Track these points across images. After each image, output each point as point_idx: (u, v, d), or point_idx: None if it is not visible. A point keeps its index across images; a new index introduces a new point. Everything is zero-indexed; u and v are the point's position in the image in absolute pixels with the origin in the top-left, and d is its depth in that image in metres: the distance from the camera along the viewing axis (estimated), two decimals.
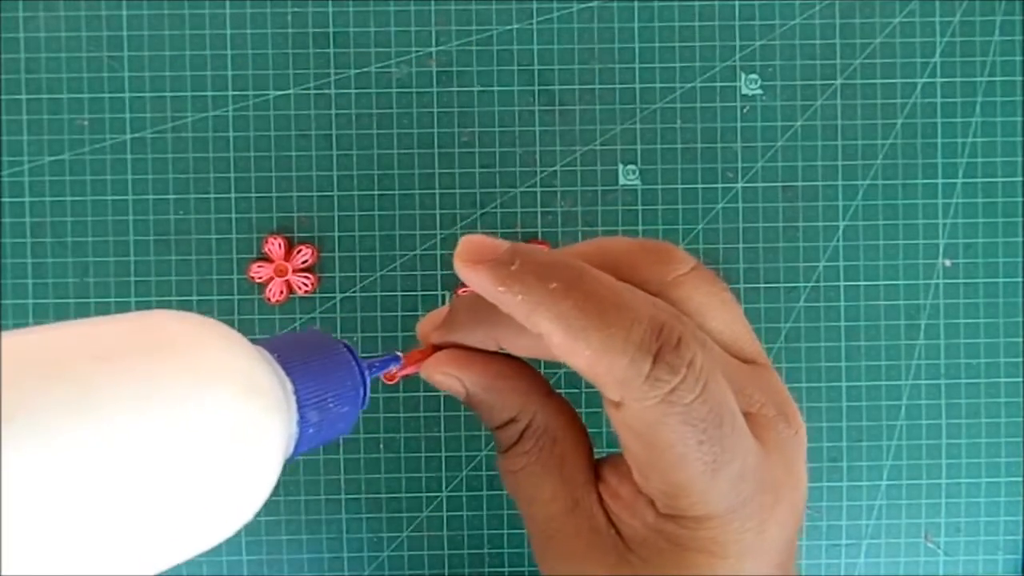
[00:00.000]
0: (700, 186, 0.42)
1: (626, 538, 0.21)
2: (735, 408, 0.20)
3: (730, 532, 0.19)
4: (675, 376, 0.18)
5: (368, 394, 0.21)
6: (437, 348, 0.23)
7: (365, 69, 0.42)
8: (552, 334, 0.19)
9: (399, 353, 0.23)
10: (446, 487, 0.43)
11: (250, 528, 0.42)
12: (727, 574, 0.20)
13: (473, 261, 0.20)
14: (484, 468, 0.43)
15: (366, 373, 0.21)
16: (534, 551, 0.22)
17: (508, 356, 0.23)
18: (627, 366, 0.18)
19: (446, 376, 0.22)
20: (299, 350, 0.20)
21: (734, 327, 0.21)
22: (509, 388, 0.22)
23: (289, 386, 0.19)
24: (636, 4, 0.42)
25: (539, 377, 0.23)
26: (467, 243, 0.20)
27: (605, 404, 0.20)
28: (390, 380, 0.42)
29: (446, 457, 0.43)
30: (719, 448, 0.19)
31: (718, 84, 0.42)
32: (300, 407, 0.19)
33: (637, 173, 0.42)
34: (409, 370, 0.24)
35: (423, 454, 0.42)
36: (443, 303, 0.42)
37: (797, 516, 0.21)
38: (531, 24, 0.42)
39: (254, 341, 0.20)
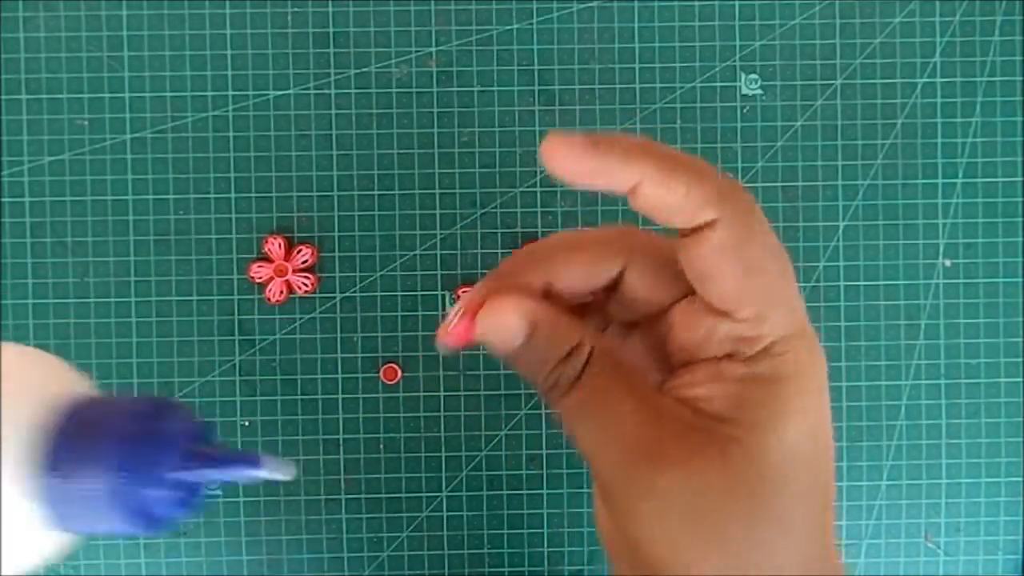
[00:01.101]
0: None
1: (720, 413, 0.21)
2: None
3: (803, 349, 0.22)
4: (748, 192, 0.22)
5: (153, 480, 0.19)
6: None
7: (365, 69, 0.42)
8: (650, 175, 0.21)
9: (257, 455, 0.20)
10: (446, 487, 0.43)
11: (250, 528, 0.42)
12: (813, 390, 0.22)
13: (567, 138, 0.21)
14: (484, 468, 0.43)
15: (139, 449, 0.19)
16: (614, 487, 0.22)
17: None
18: (720, 185, 0.21)
19: (517, 308, 0.22)
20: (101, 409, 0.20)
21: None
22: (568, 317, 0.22)
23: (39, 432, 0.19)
24: (636, 4, 0.42)
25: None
26: (552, 134, 0.21)
27: (697, 243, 0.22)
28: (391, 380, 0.42)
29: (446, 457, 0.43)
30: (786, 261, 0.22)
31: (718, 84, 0.42)
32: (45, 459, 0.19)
33: None
34: (460, 327, 0.22)
35: (423, 454, 0.42)
36: (443, 303, 0.42)
37: None
38: (531, 24, 0.42)
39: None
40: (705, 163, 0.22)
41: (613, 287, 0.24)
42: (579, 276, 0.23)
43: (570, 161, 0.21)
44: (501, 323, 0.22)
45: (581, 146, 0.21)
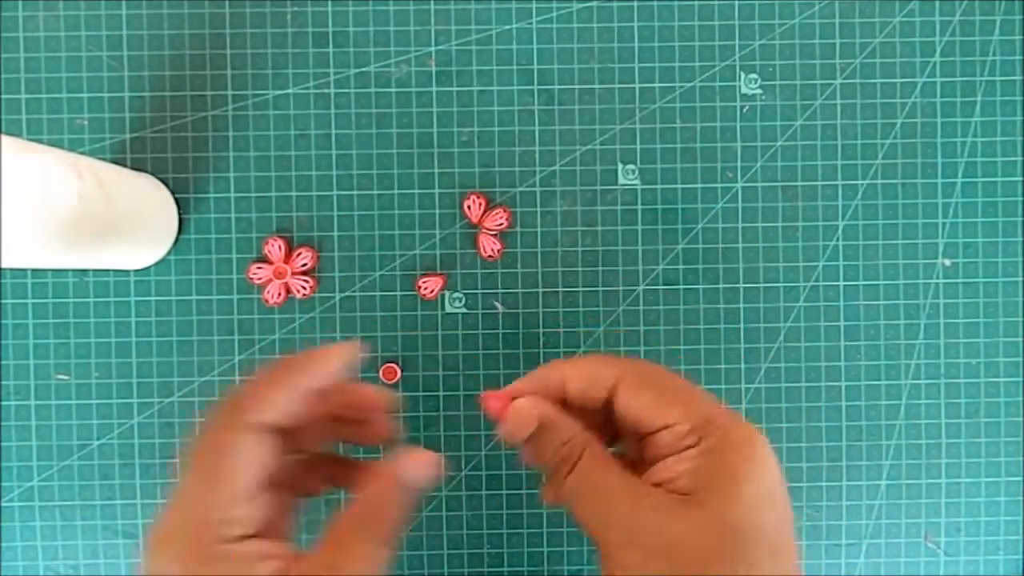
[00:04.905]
0: (699, 186, 0.42)
1: (685, 488, 0.27)
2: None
3: (729, 429, 0.27)
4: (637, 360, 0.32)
5: None
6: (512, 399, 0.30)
7: (364, 69, 0.42)
8: (570, 376, 0.30)
9: None
10: (445, 487, 0.43)
11: None
12: (755, 461, 0.27)
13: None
14: (483, 468, 0.43)
15: None
16: (610, 542, 0.27)
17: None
18: (612, 361, 0.30)
19: (533, 404, 0.29)
20: None
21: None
22: (566, 417, 0.29)
23: None
24: (636, 4, 0.42)
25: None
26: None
27: (617, 400, 0.29)
28: (390, 380, 0.42)
29: (446, 457, 0.42)
30: (678, 380, 0.29)
31: (718, 84, 0.42)
32: None
33: (636, 173, 0.42)
34: (496, 403, 0.30)
35: None
36: (443, 303, 0.42)
37: None
38: (530, 24, 0.42)
39: None
40: (602, 357, 0.30)
41: (610, 406, 0.30)
42: (582, 383, 0.29)
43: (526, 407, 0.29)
44: (523, 414, 0.29)
45: (522, 383, 0.30)
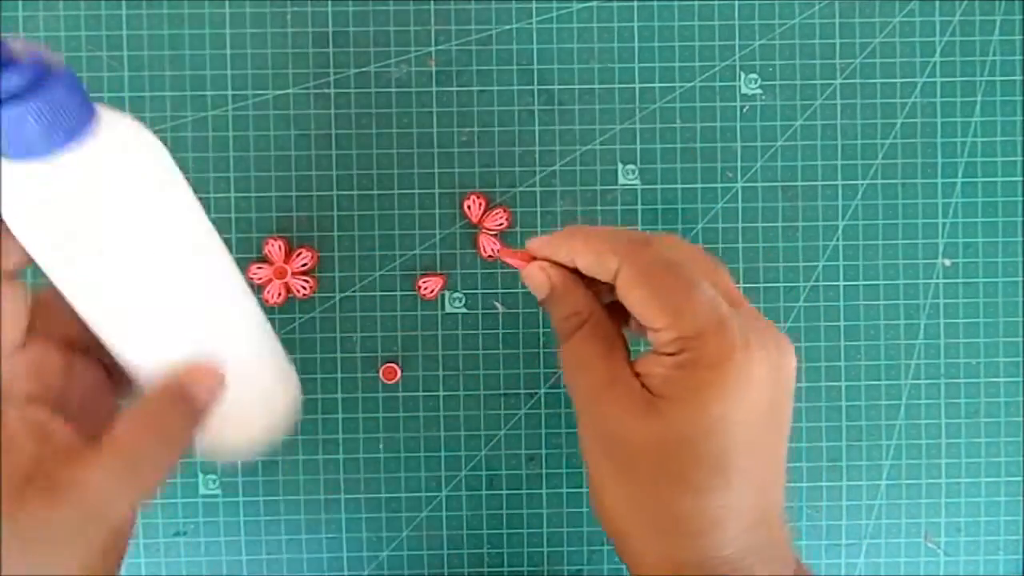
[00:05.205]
0: (699, 186, 0.42)
1: (654, 389, 0.27)
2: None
3: (718, 344, 0.26)
4: (646, 243, 0.29)
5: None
6: (533, 259, 0.31)
7: (364, 69, 0.42)
8: (578, 250, 0.29)
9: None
10: (445, 487, 0.43)
11: (250, 528, 0.42)
12: (738, 378, 0.26)
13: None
14: (483, 468, 0.43)
15: None
16: (580, 416, 0.29)
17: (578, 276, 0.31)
18: (619, 243, 0.29)
19: (543, 271, 0.30)
20: None
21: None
22: (580, 291, 0.30)
23: None
24: (636, 4, 0.42)
25: (595, 295, 0.30)
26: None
27: (617, 286, 0.28)
28: (390, 380, 0.42)
29: (445, 457, 0.43)
30: (687, 278, 0.27)
31: (718, 84, 0.42)
32: None
33: (636, 173, 0.42)
34: (514, 261, 0.32)
35: (422, 454, 0.42)
36: (443, 303, 0.42)
37: None
38: (530, 24, 0.42)
39: None
40: (611, 230, 0.30)
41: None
42: (588, 263, 0.29)
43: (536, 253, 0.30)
44: (535, 279, 0.30)
45: (538, 246, 0.30)
